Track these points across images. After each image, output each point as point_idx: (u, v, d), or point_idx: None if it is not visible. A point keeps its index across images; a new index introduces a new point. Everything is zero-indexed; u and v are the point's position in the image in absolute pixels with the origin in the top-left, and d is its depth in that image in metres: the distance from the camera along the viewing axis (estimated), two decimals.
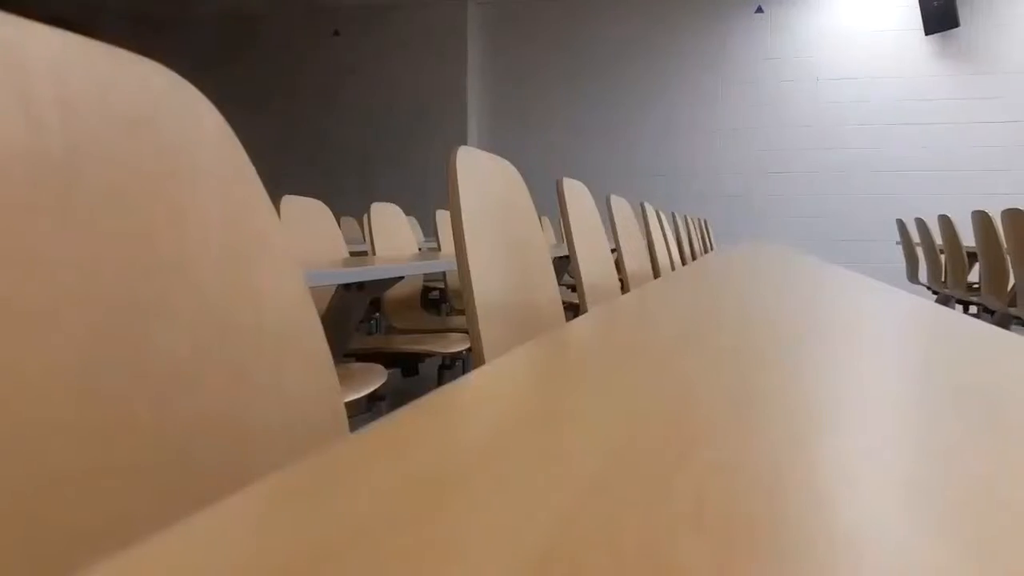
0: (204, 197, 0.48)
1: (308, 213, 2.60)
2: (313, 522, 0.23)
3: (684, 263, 4.40)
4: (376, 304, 3.20)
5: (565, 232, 1.57)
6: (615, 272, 2.05)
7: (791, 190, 7.64)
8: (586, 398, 0.40)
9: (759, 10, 7.62)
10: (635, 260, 2.38)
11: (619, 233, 2.26)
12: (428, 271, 2.42)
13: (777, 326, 0.74)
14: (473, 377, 0.50)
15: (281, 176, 8.39)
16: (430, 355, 2.38)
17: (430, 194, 8.15)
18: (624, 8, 7.97)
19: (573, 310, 3.90)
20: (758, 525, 0.21)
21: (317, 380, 0.55)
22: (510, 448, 0.30)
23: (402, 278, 2.24)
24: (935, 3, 7.08)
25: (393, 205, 3.46)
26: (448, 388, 0.46)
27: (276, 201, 2.44)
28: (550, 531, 0.21)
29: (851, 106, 7.47)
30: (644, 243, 2.74)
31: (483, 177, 1.01)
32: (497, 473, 0.27)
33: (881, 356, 0.56)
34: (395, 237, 3.38)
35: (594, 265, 1.71)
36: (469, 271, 0.80)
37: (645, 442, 0.30)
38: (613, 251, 2.41)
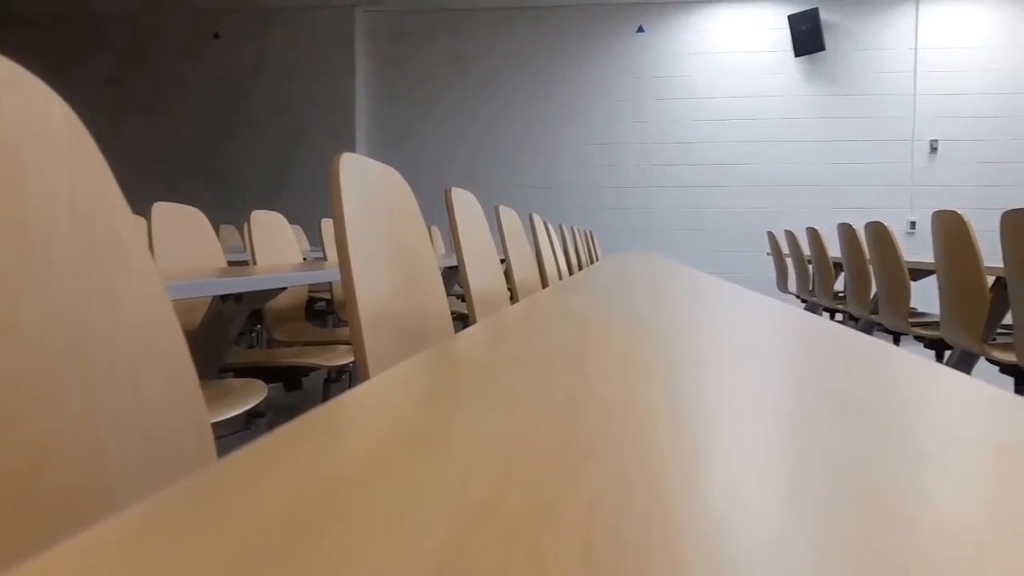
0: (49, 196, 0.43)
1: (182, 221, 2.47)
2: (169, 560, 0.20)
3: (571, 273, 4.47)
4: (257, 316, 3.09)
5: (454, 241, 1.55)
6: (504, 282, 2.05)
7: (670, 203, 7.91)
8: (473, 415, 0.38)
9: (640, 29, 7.88)
10: (524, 270, 2.39)
11: (508, 243, 2.26)
12: (312, 281, 2.35)
13: (659, 334, 0.74)
14: (355, 393, 0.47)
15: (159, 184, 8.00)
16: (314, 368, 2.31)
17: (316, 203, 7.96)
18: (510, 24, 8.06)
19: (463, 320, 3.89)
20: (648, 554, 0.20)
21: (180, 397, 0.51)
22: (392, 472, 0.28)
23: (284, 289, 2.16)
24: (803, 27, 7.52)
25: (275, 213, 3.35)
26: (328, 406, 0.43)
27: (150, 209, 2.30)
28: (434, 564, 0.19)
29: (726, 123, 7.82)
30: (532, 253, 2.76)
31: (368, 184, 0.98)
32: (378, 500, 0.25)
33: (759, 362, 0.57)
34: (278, 246, 3.27)
35: (483, 275, 1.70)
36: (353, 280, 0.77)
37: (533, 461, 0.29)
38: (502, 261, 2.42)
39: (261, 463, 0.30)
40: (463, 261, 1.46)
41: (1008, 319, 2.43)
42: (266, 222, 3.24)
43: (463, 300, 2.53)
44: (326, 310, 4.32)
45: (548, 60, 8.03)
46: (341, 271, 0.78)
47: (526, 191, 8.04)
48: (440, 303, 1.20)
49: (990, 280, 2.54)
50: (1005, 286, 2.32)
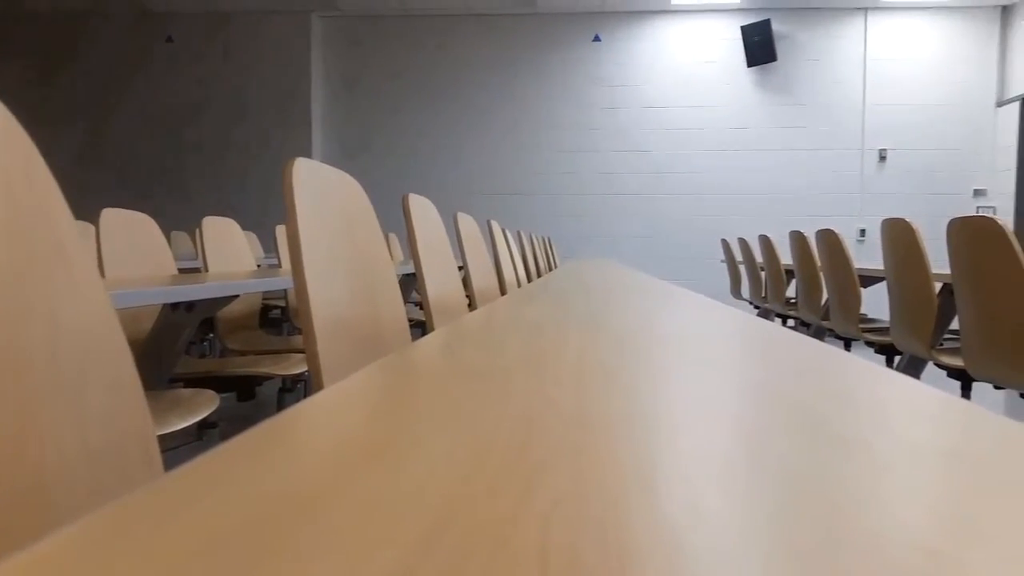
0: None
1: (132, 227, 2.42)
2: None
3: (530, 280, 4.48)
4: (210, 325, 3.03)
5: (411, 248, 1.54)
6: (462, 289, 2.04)
7: (627, 211, 7.98)
8: (429, 426, 0.37)
9: (596, 39, 7.95)
10: (482, 277, 2.38)
11: (466, 250, 2.25)
12: (265, 289, 2.31)
13: (616, 342, 0.74)
14: (309, 404, 0.46)
15: (108, 189, 7.82)
16: (268, 377, 2.27)
17: (272, 209, 7.86)
18: (467, 31, 8.07)
19: (421, 328, 3.87)
20: (605, 570, 0.19)
21: (124, 409, 0.49)
22: (345, 487, 0.27)
23: (236, 296, 2.12)
24: (756, 38, 7.66)
25: (228, 219, 3.29)
26: (280, 417, 0.42)
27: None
28: None
29: (681, 132, 7.93)
30: (491, 260, 2.75)
31: (323, 190, 0.97)
32: (328, 518, 0.24)
33: (714, 369, 0.57)
34: (231, 253, 3.21)
35: (441, 282, 1.69)
36: (306, 287, 0.76)
37: (488, 476, 0.28)
38: (460, 268, 2.41)
39: (208, 478, 0.29)
40: (420, 268, 1.45)
41: (955, 324, 2.49)
42: (219, 228, 3.18)
43: (422, 307, 2.51)
44: (281, 318, 4.26)
45: (506, 68, 8.06)
46: (294, 278, 0.77)
47: (485, 198, 8.05)
48: (397, 310, 1.19)
49: (937, 286, 2.60)
50: (952, 292, 2.38)
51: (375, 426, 0.38)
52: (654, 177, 7.96)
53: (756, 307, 5.86)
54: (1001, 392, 4.55)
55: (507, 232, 3.80)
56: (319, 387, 0.77)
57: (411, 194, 1.61)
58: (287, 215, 0.82)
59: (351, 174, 1.19)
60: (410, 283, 3.66)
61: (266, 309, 4.04)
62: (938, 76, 7.66)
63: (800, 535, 0.22)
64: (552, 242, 7.89)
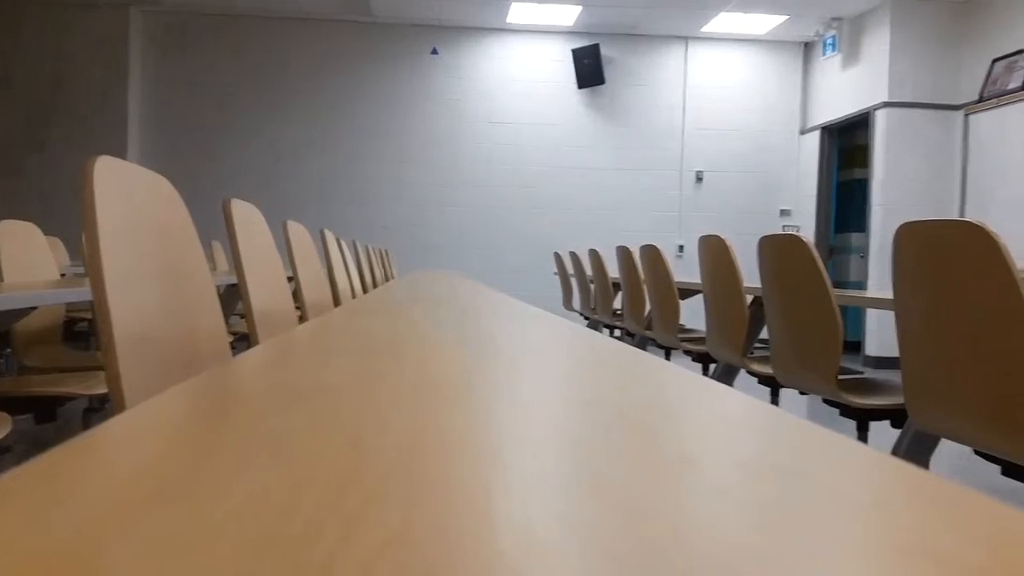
0: None
1: None
2: None
3: (366, 291, 4.38)
4: (5, 339, 2.72)
5: (233, 257, 1.45)
6: (292, 300, 1.95)
7: (464, 223, 8.04)
8: (238, 457, 0.33)
9: (434, 51, 7.97)
10: (314, 288, 2.29)
11: (296, 260, 2.16)
12: (69, 300, 2.11)
13: (453, 357, 0.72)
14: (100, 431, 0.40)
15: None
16: (71, 397, 2.06)
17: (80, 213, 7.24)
18: (303, 35, 7.84)
19: (246, 342, 3.68)
20: None
21: None
22: (127, 533, 0.23)
23: (35, 308, 1.92)
24: (585, 61, 7.97)
25: (27, 223, 2.99)
26: (64, 448, 0.37)
27: None
28: None
29: (516, 148, 8.09)
30: (324, 271, 2.66)
31: (131, 192, 0.88)
32: (104, 570, 0.20)
33: (549, 383, 0.57)
34: (30, 260, 2.91)
35: (268, 293, 1.60)
36: (106, 299, 0.68)
37: (304, 515, 0.25)
38: (290, 279, 2.31)
39: None
40: (244, 278, 1.37)
41: (765, 334, 2.68)
42: (17, 233, 2.88)
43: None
44: (88, 332, 3.92)
45: (341, 75, 7.89)
46: (93, 288, 0.69)
47: (320, 207, 7.82)
48: (215, 324, 1.11)
49: (749, 299, 2.80)
50: (762, 305, 2.56)
51: (174, 456, 0.33)
52: (492, 191, 8.06)
53: (586, 318, 6.06)
54: (805, 397, 4.97)
55: (342, 242, 3.70)
56: (121, 409, 0.69)
57: (234, 199, 1.52)
58: (85, 219, 0.74)
59: (175, 178, 1.10)
60: (236, 294, 3.48)
61: (71, 322, 3.71)
62: (750, 104, 8.30)
63: (633, 562, 0.21)
64: (389, 253, 7.79)
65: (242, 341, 3.96)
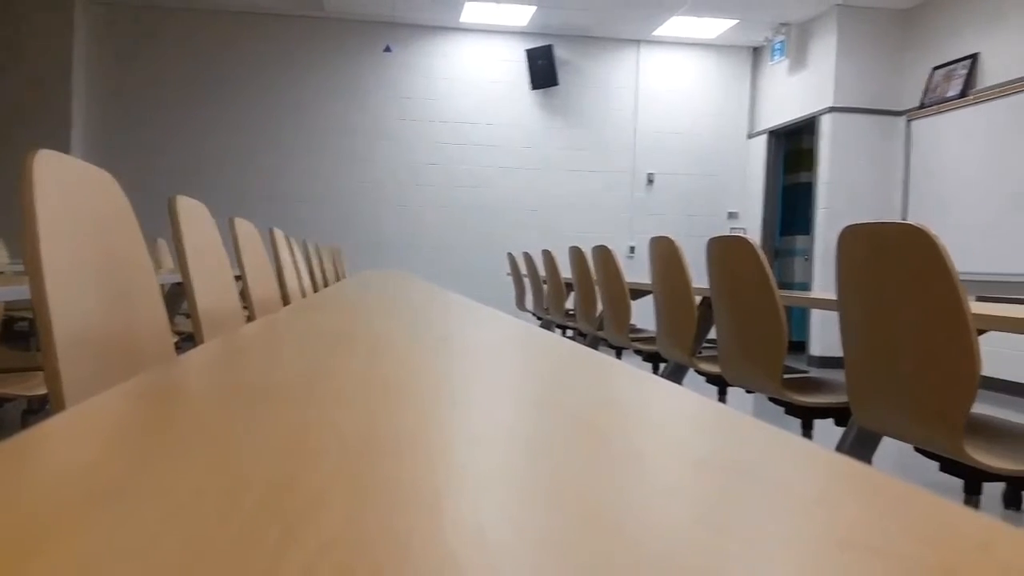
0: None
1: None
2: None
3: (316, 290, 4.33)
4: None
5: (178, 255, 1.42)
6: (239, 299, 1.92)
7: (418, 223, 8.00)
8: (177, 459, 0.32)
9: (387, 48, 7.91)
10: (262, 287, 2.26)
11: (244, 258, 2.12)
12: (8, 299, 2.04)
13: (404, 356, 0.72)
14: (35, 432, 0.39)
15: None
16: (8, 399, 1.99)
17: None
18: (256, 29, 7.71)
19: (192, 341, 3.60)
20: None
21: None
22: (60, 538, 0.22)
23: None
24: (540, 62, 7.99)
25: None
26: (5, 444, 0.35)
27: None
28: None
29: (471, 147, 8.08)
30: (273, 269, 2.62)
31: (72, 187, 0.85)
32: (47, 574, 0.19)
33: (502, 384, 0.56)
34: None
35: (214, 292, 1.57)
36: (46, 297, 0.66)
37: (243, 517, 0.24)
38: (238, 278, 2.26)
39: None
40: (188, 276, 1.34)
41: (713, 334, 2.72)
42: None
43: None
44: (28, 331, 3.80)
45: (293, 70, 7.78)
46: (31, 285, 0.67)
47: (269, 205, 7.70)
48: (159, 322, 1.08)
49: (698, 299, 2.84)
50: (710, 305, 2.60)
51: (113, 457, 0.32)
52: (445, 190, 8.03)
53: (539, 318, 6.08)
54: (751, 396, 5.06)
55: (291, 240, 3.65)
56: (60, 409, 0.67)
57: (180, 196, 1.48)
58: (24, 215, 0.71)
59: (118, 176, 1.07)
60: (181, 293, 3.40)
61: (11, 322, 3.59)
62: (700, 108, 8.42)
63: (583, 566, 0.21)
64: (341, 252, 7.71)
65: (188, 341, 3.87)
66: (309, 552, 0.21)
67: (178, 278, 3.29)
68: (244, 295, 2.09)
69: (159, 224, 7.22)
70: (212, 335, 1.40)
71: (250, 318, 2.01)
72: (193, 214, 1.56)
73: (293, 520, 0.24)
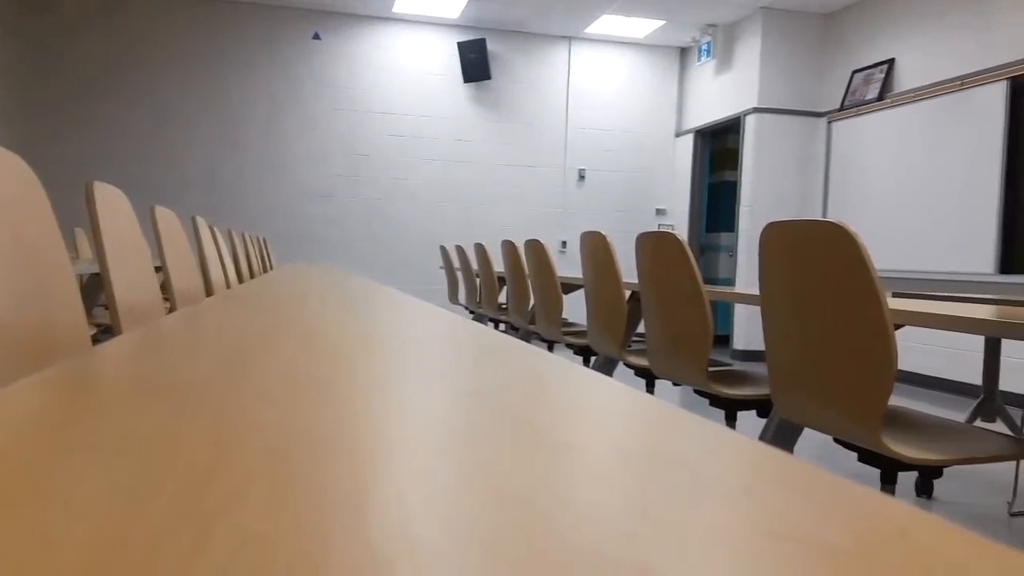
0: None
1: None
2: None
3: (241, 281, 4.22)
4: None
5: (95, 243, 1.36)
6: (159, 291, 1.85)
7: (348, 214, 7.88)
8: (89, 454, 0.31)
9: (316, 36, 7.75)
10: (184, 278, 2.19)
11: (165, 248, 2.05)
12: None
13: (333, 349, 0.70)
14: None
15: None
16: None
17: None
18: (178, 13, 7.46)
19: (110, 333, 3.46)
20: None
21: None
22: None
23: None
24: (472, 55, 7.96)
25: None
26: None
27: None
28: None
29: (403, 139, 8.00)
30: (196, 260, 2.54)
31: None
32: None
33: (431, 375, 0.56)
34: None
35: (133, 283, 1.51)
36: None
37: (156, 517, 0.23)
38: (159, 269, 2.19)
39: None
40: (106, 266, 1.28)
41: (642, 328, 2.76)
42: None
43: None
44: None
45: (219, 56, 7.56)
46: None
47: (192, 195, 7.47)
48: (74, 313, 1.03)
49: (627, 294, 2.87)
50: (639, 299, 2.63)
51: (17, 454, 0.30)
52: (376, 182, 7.94)
53: (471, 312, 6.07)
54: (678, 388, 5.17)
55: (216, 230, 3.55)
56: None
57: (97, 183, 1.42)
58: None
59: (33, 164, 1.02)
60: (100, 284, 3.27)
61: None
62: (629, 106, 8.53)
63: (510, 559, 0.20)
64: (268, 243, 7.53)
65: (106, 333, 3.73)
66: (223, 551, 0.20)
67: (95, 268, 3.16)
68: (165, 286, 2.02)
69: (75, 213, 6.93)
70: (131, 327, 1.35)
71: (171, 310, 1.94)
72: (111, 202, 1.50)
73: (207, 519, 0.23)
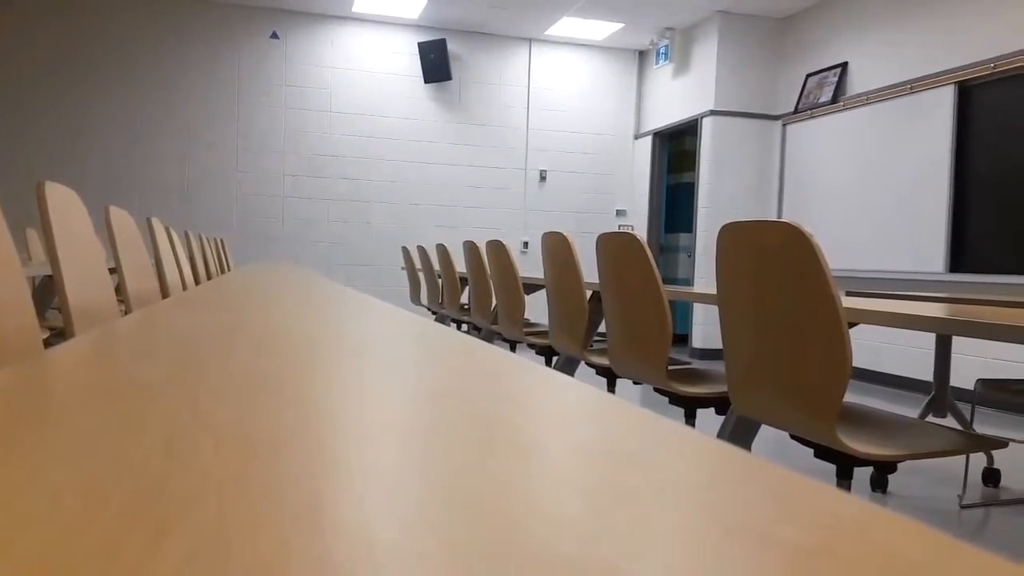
0: None
1: None
2: None
3: (198, 283, 4.15)
4: None
5: (47, 245, 1.32)
6: (114, 293, 1.81)
7: (308, 215, 7.80)
8: (34, 460, 0.30)
9: (274, 35, 7.66)
10: (140, 280, 2.14)
11: (120, 249, 2.01)
12: None
13: (291, 350, 0.69)
14: None
15: None
16: None
17: None
18: (134, 13, 7.30)
19: (63, 337, 3.37)
20: None
21: None
22: None
23: None
24: (432, 56, 7.93)
25: None
26: None
27: None
28: None
29: (365, 140, 7.94)
30: (151, 261, 2.49)
31: None
32: None
33: (392, 376, 0.55)
34: None
35: (87, 285, 1.48)
36: None
37: (105, 525, 0.22)
38: (113, 271, 2.14)
39: None
40: (59, 268, 1.25)
41: (603, 328, 2.78)
42: None
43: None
44: None
45: (175, 54, 7.42)
46: None
47: (149, 195, 7.32)
48: (24, 316, 1.01)
49: (588, 294, 2.89)
50: (600, 300, 2.65)
51: None
52: (336, 182, 7.86)
53: (434, 312, 6.05)
54: (638, 387, 5.21)
55: (172, 231, 3.48)
56: None
57: (49, 182, 1.39)
58: None
59: None
60: (52, 286, 3.19)
61: None
62: (589, 107, 8.58)
63: (472, 562, 0.20)
64: (227, 244, 7.42)
65: (59, 337, 3.64)
66: (174, 559, 0.19)
67: (48, 270, 3.08)
68: (120, 288, 1.98)
69: (25, 214, 6.74)
70: (85, 330, 1.31)
71: (126, 312, 1.90)
72: (64, 202, 1.46)
73: (156, 526, 0.22)
